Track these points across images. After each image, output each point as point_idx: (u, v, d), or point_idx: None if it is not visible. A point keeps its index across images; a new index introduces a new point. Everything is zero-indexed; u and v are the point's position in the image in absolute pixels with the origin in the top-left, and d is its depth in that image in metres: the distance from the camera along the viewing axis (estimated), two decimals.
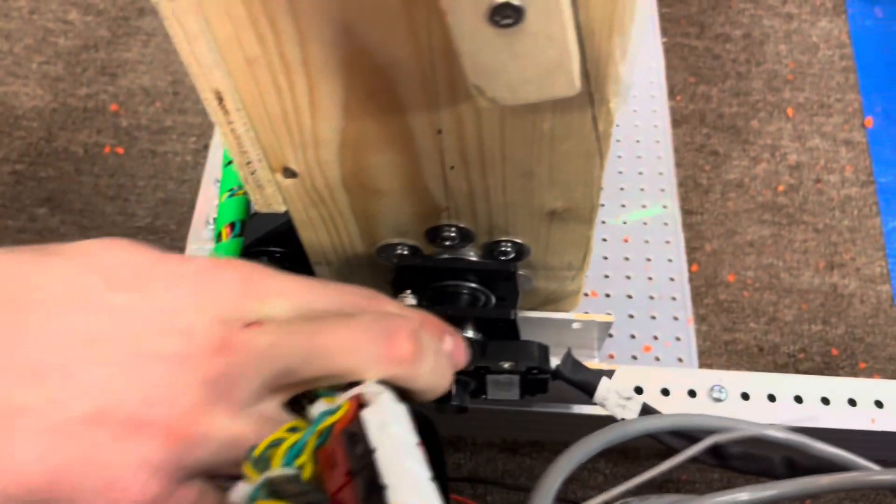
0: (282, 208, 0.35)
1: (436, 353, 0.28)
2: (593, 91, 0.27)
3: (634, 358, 0.53)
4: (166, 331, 0.25)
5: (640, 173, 0.61)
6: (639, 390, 0.44)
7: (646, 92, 0.66)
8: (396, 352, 0.26)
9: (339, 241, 0.37)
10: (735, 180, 0.66)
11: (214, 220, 0.48)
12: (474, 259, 0.37)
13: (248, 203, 0.47)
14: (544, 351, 0.35)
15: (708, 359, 0.58)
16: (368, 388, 0.24)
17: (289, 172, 0.32)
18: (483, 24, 0.22)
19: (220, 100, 0.29)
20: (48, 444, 0.22)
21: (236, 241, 0.46)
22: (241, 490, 0.22)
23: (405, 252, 0.37)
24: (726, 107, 0.70)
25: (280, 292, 0.28)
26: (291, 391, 0.27)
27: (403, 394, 0.27)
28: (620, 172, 0.61)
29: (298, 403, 0.27)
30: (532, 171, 0.32)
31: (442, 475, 0.30)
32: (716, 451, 0.34)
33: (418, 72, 0.27)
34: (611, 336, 0.54)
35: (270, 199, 0.34)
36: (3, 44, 0.68)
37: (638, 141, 0.63)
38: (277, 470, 0.22)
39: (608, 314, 0.42)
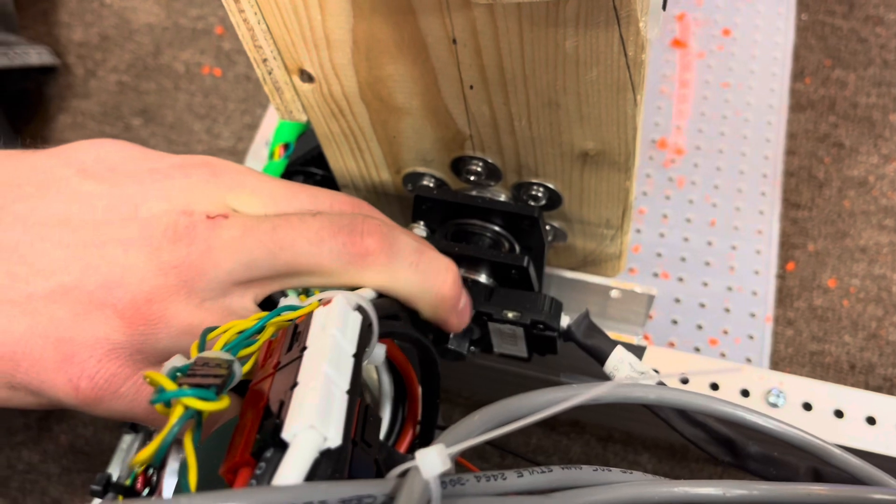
0: (303, 117, 0.34)
1: (415, 250, 0.26)
2: (618, 6, 0.24)
3: (697, 349, 0.49)
4: (130, 218, 0.25)
5: (743, 154, 0.56)
6: (685, 381, 0.40)
7: (766, 68, 0.60)
8: (361, 246, 0.25)
9: (364, 164, 0.36)
10: (858, 178, 0.59)
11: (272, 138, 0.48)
12: (495, 198, 0.34)
13: (303, 129, 0.47)
14: (556, 307, 0.32)
15: (787, 367, 0.52)
16: (338, 293, 0.23)
17: (305, 76, 0.31)
18: None
19: None
20: (8, 317, 0.23)
21: (286, 161, 0.45)
22: (174, 360, 0.21)
23: (430, 184, 0.35)
24: (863, 96, 0.62)
25: (251, 189, 0.27)
26: (259, 288, 0.26)
27: (413, 313, 0.26)
28: (720, 151, 0.56)
29: None
30: (558, 101, 0.28)
31: (429, 395, 0.28)
32: (731, 447, 0.30)
33: None
34: (675, 323, 0.49)
35: (290, 104, 0.33)
36: None
37: (746, 119, 0.57)
38: (214, 353, 0.20)
39: (651, 289, 0.38)
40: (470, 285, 0.33)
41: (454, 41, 0.27)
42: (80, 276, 0.24)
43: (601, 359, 0.32)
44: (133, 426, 0.39)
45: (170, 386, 0.17)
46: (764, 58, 0.60)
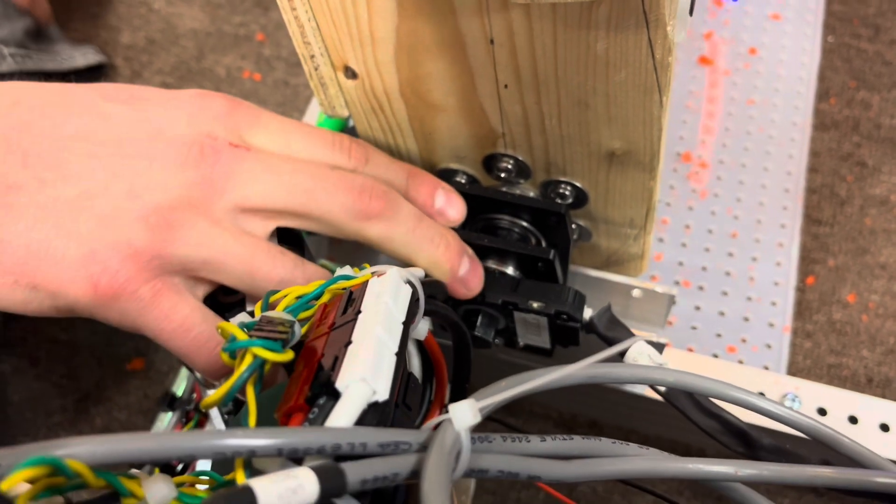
0: (345, 112, 0.36)
1: (415, 217, 0.29)
2: (647, 9, 0.26)
3: (715, 356, 0.50)
4: (155, 136, 0.26)
5: (766, 169, 0.57)
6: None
7: (791, 87, 0.61)
8: (367, 206, 0.27)
9: (399, 159, 0.37)
10: (880, 196, 0.60)
11: None
12: (523, 194, 0.35)
13: (342, 125, 0.49)
14: (580, 299, 0.33)
15: (804, 378, 0.53)
16: (388, 268, 0.25)
17: (349, 72, 0.33)
18: None
19: None
20: (34, 218, 0.24)
21: None
22: (240, 317, 0.23)
23: (462, 180, 0.37)
24: (886, 117, 0.63)
25: (267, 126, 0.29)
26: (268, 219, 0.28)
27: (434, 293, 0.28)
28: (744, 165, 0.57)
29: None
30: (587, 101, 0.30)
31: (460, 375, 0.29)
32: (745, 439, 0.31)
33: None
34: (694, 329, 0.51)
35: (333, 100, 0.35)
36: None
37: (770, 136, 0.58)
38: (278, 313, 0.22)
39: (671, 289, 0.39)
40: (497, 276, 0.34)
41: (492, 41, 0.29)
42: (106, 183, 0.25)
43: (621, 351, 0.33)
44: (170, 404, 0.41)
45: (241, 336, 0.19)
46: (789, 77, 0.61)
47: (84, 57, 0.65)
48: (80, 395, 0.54)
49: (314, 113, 0.55)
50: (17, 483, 0.15)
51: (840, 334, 0.55)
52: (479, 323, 0.34)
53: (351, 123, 0.42)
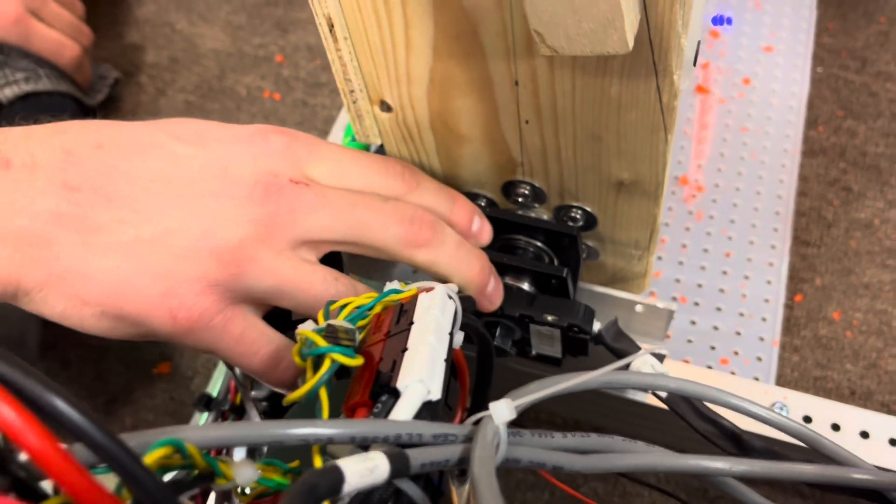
0: (378, 141, 0.39)
1: (457, 243, 0.32)
2: (657, 61, 0.29)
3: (709, 367, 0.53)
4: (223, 176, 0.29)
5: (758, 193, 0.61)
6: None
7: (782, 116, 0.65)
8: (416, 237, 0.30)
9: None
10: (864, 220, 0.64)
11: None
12: (539, 217, 0.39)
13: (365, 148, 0.52)
14: (589, 313, 0.37)
15: (792, 389, 0.56)
16: (433, 284, 0.28)
17: (385, 106, 0.36)
18: None
19: (331, 27, 0.33)
20: (119, 257, 0.27)
21: None
22: (308, 324, 0.26)
23: (482, 203, 0.40)
24: (872, 145, 0.67)
25: (324, 158, 0.32)
26: (325, 247, 0.31)
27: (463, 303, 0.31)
28: (738, 189, 0.61)
29: None
30: (601, 136, 0.34)
31: (483, 380, 0.33)
32: (738, 441, 0.35)
33: (499, 20, 0.30)
34: (690, 342, 0.54)
35: (368, 130, 0.38)
36: None
37: (762, 161, 0.62)
38: (341, 322, 0.25)
39: (671, 304, 0.43)
40: (515, 291, 0.38)
41: (516, 83, 0.32)
42: (182, 223, 0.28)
43: (632, 360, 0.36)
44: (206, 404, 0.44)
45: (322, 343, 0.22)
46: (781, 106, 0.65)
47: (105, 85, 0.68)
48: (109, 397, 0.57)
49: (337, 135, 0.58)
50: (157, 458, 0.18)
51: (825, 349, 0.58)
52: (497, 334, 0.38)
53: (374, 148, 0.45)
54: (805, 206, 0.64)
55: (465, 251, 0.33)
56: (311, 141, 0.32)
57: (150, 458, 0.18)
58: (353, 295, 0.29)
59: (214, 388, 0.45)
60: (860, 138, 0.68)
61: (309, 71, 0.72)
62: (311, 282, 0.29)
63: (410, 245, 0.31)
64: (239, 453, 0.34)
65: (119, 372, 0.58)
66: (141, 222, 0.27)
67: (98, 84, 0.67)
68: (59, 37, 0.60)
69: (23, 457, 0.18)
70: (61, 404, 0.17)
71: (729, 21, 0.73)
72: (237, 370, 0.37)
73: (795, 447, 0.33)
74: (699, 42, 0.32)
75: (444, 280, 0.32)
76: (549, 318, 0.36)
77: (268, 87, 0.72)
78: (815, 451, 0.31)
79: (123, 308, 0.27)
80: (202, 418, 0.44)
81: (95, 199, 0.27)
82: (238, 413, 0.43)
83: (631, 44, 0.27)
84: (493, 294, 0.34)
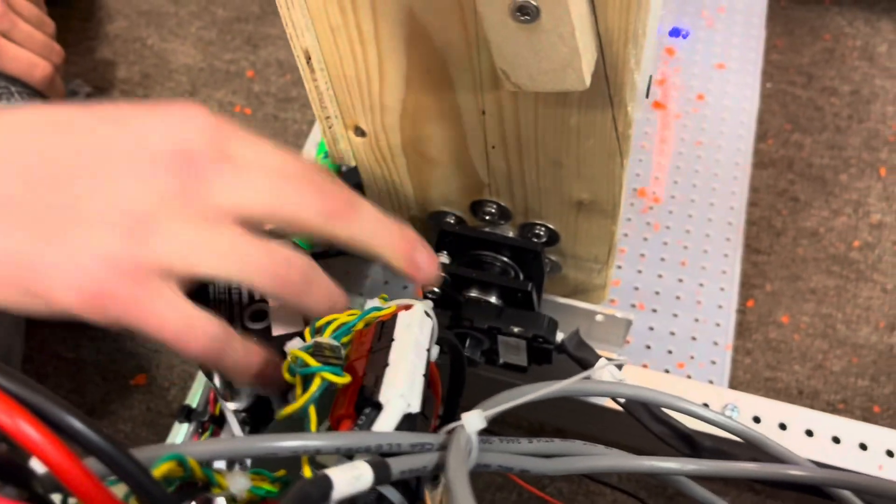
0: (352, 163, 0.41)
1: (376, 216, 0.31)
2: (612, 94, 0.32)
3: (667, 371, 0.56)
4: (137, 149, 0.28)
5: (712, 204, 0.64)
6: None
7: (734, 130, 0.68)
8: (335, 209, 0.30)
9: (397, 202, 0.43)
10: (810, 228, 0.67)
11: None
12: (505, 234, 0.41)
13: (337, 169, 0.54)
14: (553, 325, 0.39)
15: (744, 390, 0.59)
16: (412, 302, 0.30)
17: (359, 131, 0.38)
18: (507, 19, 0.27)
19: (308, 59, 0.35)
20: (26, 230, 0.26)
21: None
22: (296, 342, 0.28)
23: (452, 221, 0.43)
24: (817, 157, 0.71)
25: (245, 141, 0.30)
26: (244, 221, 0.29)
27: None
28: (692, 201, 0.64)
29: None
30: (561, 161, 0.36)
31: (455, 389, 0.34)
32: (690, 442, 0.38)
33: (466, 56, 0.32)
34: (648, 347, 0.57)
35: (343, 153, 0.40)
36: (171, 7, 0.79)
37: (715, 174, 0.65)
38: (326, 338, 0.27)
39: (629, 314, 0.45)
40: (483, 304, 0.40)
41: (483, 112, 0.35)
42: (91, 196, 0.27)
43: (588, 367, 0.39)
44: (187, 415, 0.46)
45: (312, 362, 0.24)
46: (732, 121, 0.69)
47: (77, 100, 0.69)
48: (87, 409, 0.58)
49: (310, 151, 0.60)
50: (164, 471, 0.20)
51: (776, 351, 0.62)
52: (467, 345, 0.40)
53: (344, 169, 0.47)
54: (756, 216, 0.68)
55: (384, 224, 0.32)
56: (233, 125, 0.31)
57: (159, 472, 0.20)
58: (268, 262, 0.29)
59: (194, 400, 0.46)
60: (807, 151, 0.72)
61: (279, 86, 0.74)
62: (227, 248, 0.28)
63: (330, 217, 0.30)
64: (218, 465, 0.36)
65: (96, 384, 0.60)
66: (49, 195, 0.27)
67: (70, 100, 0.68)
68: (31, 56, 0.61)
69: (40, 470, 0.20)
70: (77, 423, 0.19)
71: (686, 35, 0.77)
72: (216, 380, 0.39)
73: (745, 446, 0.36)
74: (651, 76, 0.35)
75: (370, 255, 0.32)
76: (516, 329, 0.39)
77: (239, 102, 0.73)
78: (758, 450, 0.34)
79: (33, 284, 0.27)
80: (182, 429, 0.46)
81: (2, 175, 0.27)
82: (218, 423, 0.44)
83: (588, 82, 0.29)
84: (423, 265, 0.33)
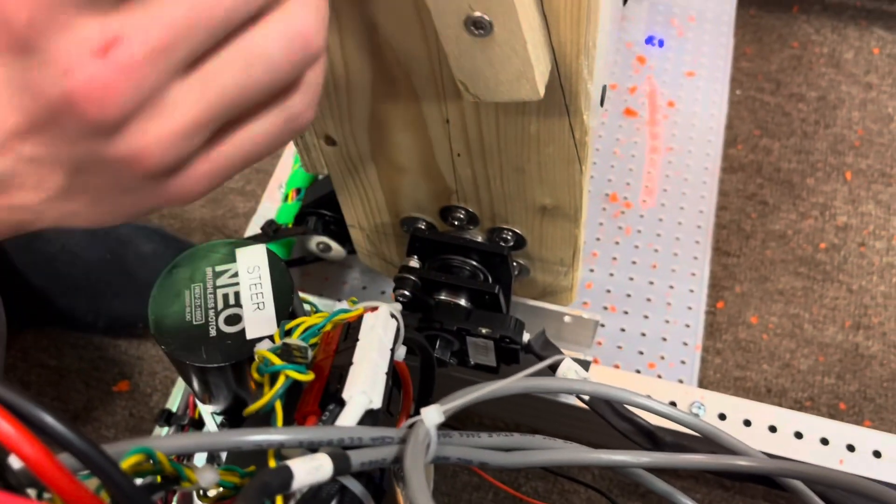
0: (325, 171, 0.42)
1: None
2: (568, 103, 0.33)
3: (638, 371, 0.57)
4: None
5: (682, 208, 0.66)
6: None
7: (703, 136, 0.70)
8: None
9: (370, 209, 0.44)
10: (778, 231, 0.69)
11: (286, 183, 0.57)
12: (473, 239, 0.43)
13: (314, 178, 0.55)
14: (520, 326, 0.41)
15: (714, 390, 0.61)
16: (378, 304, 0.31)
17: (329, 140, 0.40)
18: (463, 33, 0.28)
19: None
20: None
21: (298, 204, 0.54)
22: (265, 344, 0.29)
23: (423, 226, 0.44)
24: (785, 162, 0.73)
25: None
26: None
27: None
28: (663, 205, 0.66)
29: None
30: (523, 167, 0.38)
31: (426, 388, 0.36)
32: (652, 437, 0.39)
33: (429, 68, 0.34)
34: (620, 348, 0.59)
35: (315, 161, 0.42)
36: None
37: (686, 179, 0.67)
38: (294, 339, 0.28)
39: (595, 315, 0.47)
40: (453, 307, 0.42)
41: (447, 121, 0.36)
42: None
43: (553, 367, 0.40)
44: (167, 419, 0.47)
45: (277, 361, 0.26)
46: (702, 127, 0.70)
47: None
48: (70, 416, 0.59)
49: (287, 160, 0.61)
50: (132, 464, 0.21)
51: (745, 351, 0.63)
52: (437, 346, 0.41)
53: (321, 177, 0.49)
54: (726, 219, 0.69)
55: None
56: None
57: (126, 464, 0.21)
58: None
59: (174, 404, 0.47)
60: (775, 155, 0.74)
61: None
62: None
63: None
64: (199, 462, 0.37)
65: (79, 391, 0.60)
66: None
67: None
68: None
69: (16, 465, 0.21)
70: (50, 419, 0.20)
71: (661, 43, 0.79)
72: (195, 384, 0.40)
73: (704, 440, 0.37)
74: (605, 86, 0.36)
75: None
76: (484, 330, 0.40)
77: None
78: (713, 443, 0.35)
79: None
80: (162, 432, 0.47)
81: None
82: (197, 426, 0.46)
83: (542, 92, 0.31)
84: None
